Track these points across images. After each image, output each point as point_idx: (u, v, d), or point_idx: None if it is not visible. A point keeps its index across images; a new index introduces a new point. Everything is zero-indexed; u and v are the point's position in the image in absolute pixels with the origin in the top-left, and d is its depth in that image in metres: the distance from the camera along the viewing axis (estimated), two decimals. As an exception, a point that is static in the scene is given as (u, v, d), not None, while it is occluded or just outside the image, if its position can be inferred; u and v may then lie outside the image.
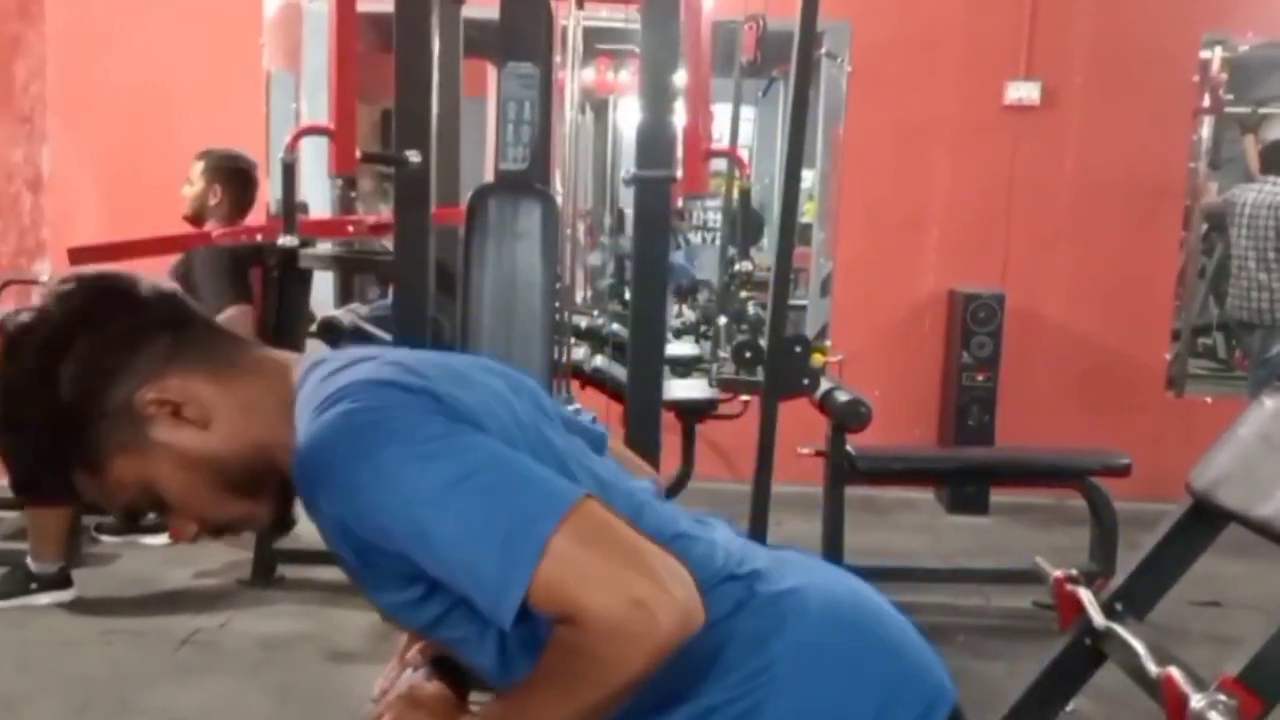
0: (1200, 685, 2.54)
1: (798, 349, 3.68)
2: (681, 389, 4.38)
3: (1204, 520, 3.15)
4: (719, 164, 5.33)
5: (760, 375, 3.72)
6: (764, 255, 6.24)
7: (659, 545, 1.15)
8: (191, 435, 1.24)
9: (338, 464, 1.14)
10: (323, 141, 3.66)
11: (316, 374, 1.25)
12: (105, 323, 1.24)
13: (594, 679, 1.10)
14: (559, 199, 3.74)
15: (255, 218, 4.40)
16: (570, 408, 4.33)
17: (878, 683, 1.24)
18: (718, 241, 7.21)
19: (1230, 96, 6.70)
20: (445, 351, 1.41)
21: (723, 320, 4.52)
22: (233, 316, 3.98)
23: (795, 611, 1.25)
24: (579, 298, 4.92)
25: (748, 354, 3.88)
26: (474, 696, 1.35)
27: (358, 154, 3.59)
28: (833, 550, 4.08)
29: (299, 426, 1.20)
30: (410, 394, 1.16)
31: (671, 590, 1.09)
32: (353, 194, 6.03)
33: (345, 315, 4.17)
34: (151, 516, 4.30)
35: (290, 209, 3.93)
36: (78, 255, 4.35)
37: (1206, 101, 6.34)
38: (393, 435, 1.13)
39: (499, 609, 1.09)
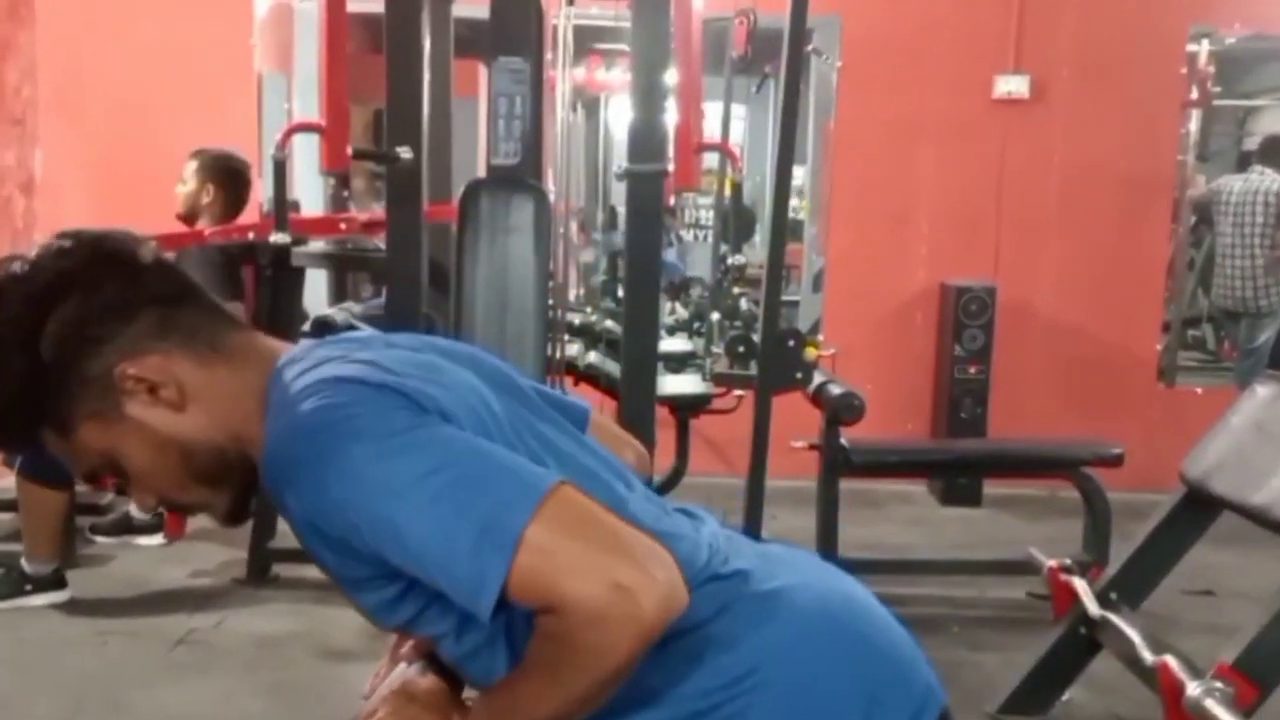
0: (1196, 673, 2.56)
1: (791, 343, 3.69)
2: (675, 384, 4.39)
3: (1197, 509, 3.17)
4: (710, 162, 5.33)
5: (754, 370, 3.72)
6: (755, 252, 6.26)
7: (639, 529, 1.14)
8: (165, 416, 1.23)
9: (304, 462, 1.12)
10: (315, 142, 3.66)
11: (289, 371, 1.23)
12: (98, 288, 1.22)
13: (580, 666, 1.09)
14: (551, 196, 3.75)
15: (248, 218, 4.39)
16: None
17: (865, 685, 1.22)
18: (709, 239, 7.22)
19: (1218, 89, 6.72)
20: (420, 336, 1.38)
21: (715, 316, 4.53)
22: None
23: (780, 612, 1.23)
24: (572, 295, 4.92)
25: (741, 349, 3.89)
26: (468, 692, 1.34)
27: (349, 151, 3.60)
28: (827, 543, 4.09)
29: (269, 423, 1.19)
30: (375, 390, 1.14)
31: (653, 573, 1.08)
32: (345, 193, 6.04)
33: (339, 313, 4.17)
34: (145, 517, 4.26)
35: (282, 206, 3.94)
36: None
37: (1194, 94, 6.36)
38: (359, 432, 1.11)
39: (477, 604, 1.08)
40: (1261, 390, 3.16)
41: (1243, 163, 7.71)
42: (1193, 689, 2.49)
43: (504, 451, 1.15)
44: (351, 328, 4.28)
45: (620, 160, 3.58)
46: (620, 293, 4.26)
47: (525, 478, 1.12)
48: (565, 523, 1.09)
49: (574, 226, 5.01)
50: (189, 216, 4.23)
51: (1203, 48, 6.34)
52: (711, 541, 1.28)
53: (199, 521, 4.56)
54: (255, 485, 1.27)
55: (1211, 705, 2.43)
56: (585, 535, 1.09)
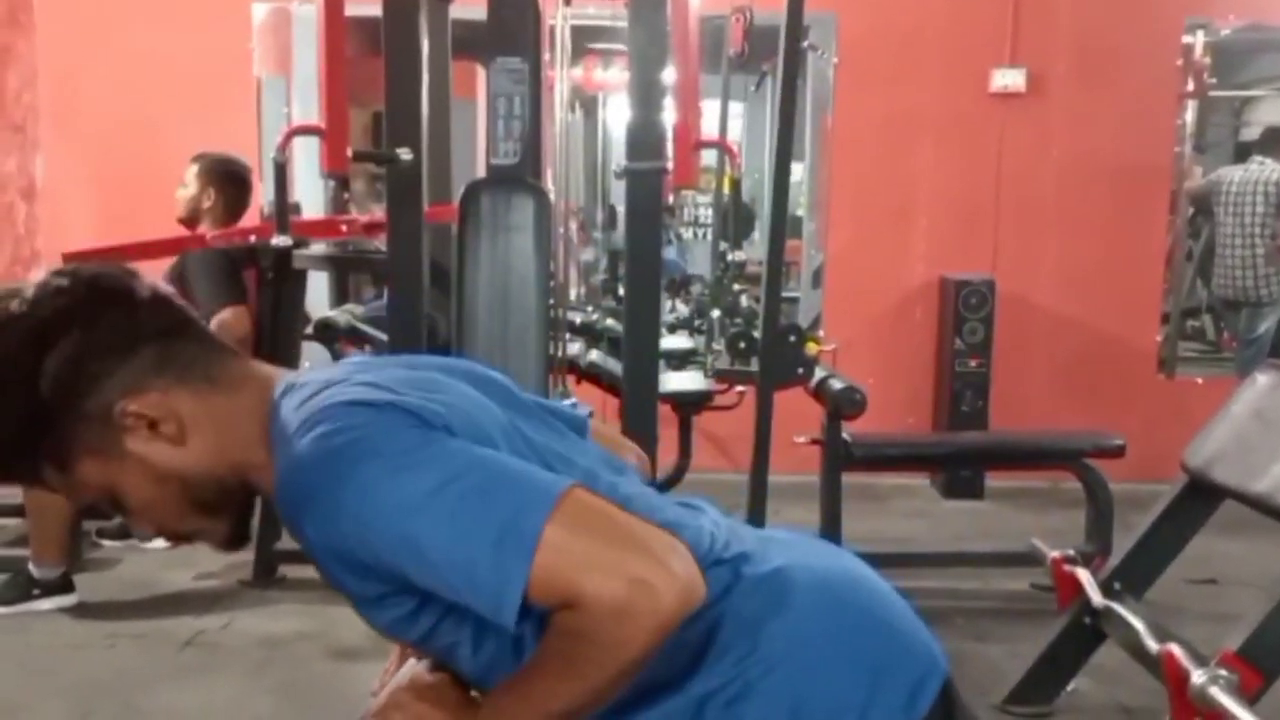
0: (1201, 661, 2.57)
1: (791, 339, 3.70)
2: (677, 381, 4.40)
3: (1199, 497, 3.18)
4: (709, 160, 5.34)
5: (755, 366, 3.73)
6: (755, 249, 6.27)
7: (653, 524, 1.16)
8: (165, 451, 1.24)
9: (320, 488, 1.13)
10: (315, 145, 3.66)
11: (291, 399, 1.24)
12: (95, 324, 1.22)
13: (598, 659, 1.11)
14: (551, 196, 3.75)
15: (249, 221, 4.41)
16: (567, 401, 4.37)
17: (868, 657, 1.23)
18: (708, 236, 7.24)
19: (1214, 80, 6.73)
20: (417, 356, 1.40)
21: (716, 313, 4.54)
22: (227, 319, 3.99)
23: (782, 592, 1.24)
24: (573, 294, 4.93)
25: (742, 345, 3.90)
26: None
27: (349, 153, 3.60)
28: (831, 537, 4.10)
29: (277, 454, 1.20)
30: (380, 410, 1.16)
31: (670, 566, 1.10)
32: (346, 195, 6.05)
33: (341, 316, 4.18)
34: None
35: (283, 209, 3.94)
36: (73, 260, 4.36)
37: (1190, 86, 6.36)
38: (369, 453, 1.13)
39: (500, 608, 1.10)
40: (1262, 379, 3.17)
41: (1240, 153, 7.72)
42: (1197, 677, 2.50)
43: (514, 460, 1.17)
44: (354, 329, 4.30)
45: (619, 159, 3.58)
46: (621, 291, 4.27)
47: (538, 482, 1.14)
48: (581, 522, 1.11)
49: (574, 225, 5.02)
50: (190, 220, 4.24)
51: (1198, 39, 6.34)
52: (713, 529, 1.29)
53: (204, 524, 4.58)
54: (252, 511, 1.31)
55: (1216, 693, 2.44)
56: (602, 533, 1.12)
